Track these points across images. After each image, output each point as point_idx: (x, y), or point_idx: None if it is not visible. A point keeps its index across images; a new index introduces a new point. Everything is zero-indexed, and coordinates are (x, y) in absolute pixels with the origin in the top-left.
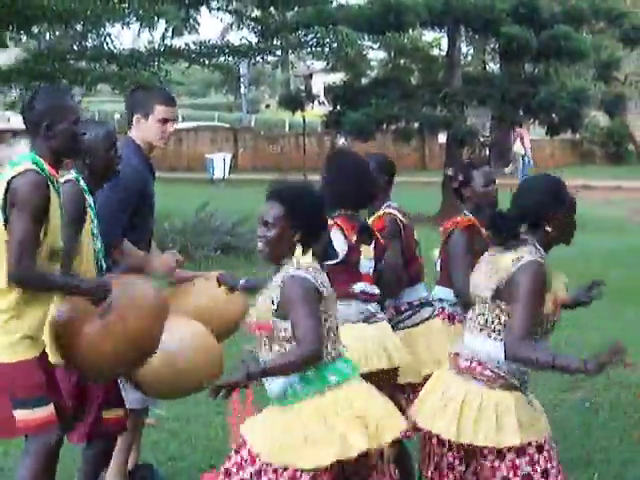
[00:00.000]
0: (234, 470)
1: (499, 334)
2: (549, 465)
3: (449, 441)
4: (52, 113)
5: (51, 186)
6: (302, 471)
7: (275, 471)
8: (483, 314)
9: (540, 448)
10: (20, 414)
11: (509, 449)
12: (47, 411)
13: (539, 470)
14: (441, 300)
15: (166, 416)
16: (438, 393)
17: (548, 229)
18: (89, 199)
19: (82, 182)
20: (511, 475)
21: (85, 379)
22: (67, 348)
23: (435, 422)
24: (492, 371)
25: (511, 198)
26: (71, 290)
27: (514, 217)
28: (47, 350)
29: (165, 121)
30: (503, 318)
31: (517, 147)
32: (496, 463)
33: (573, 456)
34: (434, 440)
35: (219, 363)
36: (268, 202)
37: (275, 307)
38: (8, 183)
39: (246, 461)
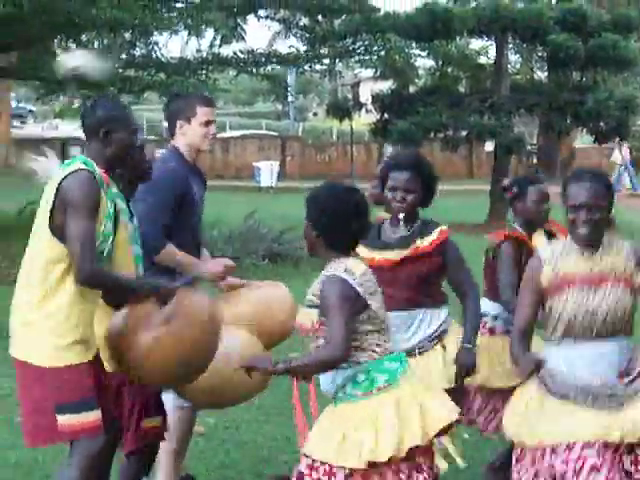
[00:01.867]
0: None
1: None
2: None
3: None
4: (112, 121)
5: (102, 188)
6: (336, 468)
7: (312, 466)
8: None
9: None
10: (63, 419)
11: None
12: (92, 416)
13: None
14: (486, 315)
15: (215, 424)
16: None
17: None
18: (121, 206)
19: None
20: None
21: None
22: (120, 358)
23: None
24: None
25: None
26: (136, 290)
27: None
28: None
29: (208, 123)
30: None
31: (615, 157)
32: None
33: None
34: None
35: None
36: None
37: (316, 304)
38: (60, 183)
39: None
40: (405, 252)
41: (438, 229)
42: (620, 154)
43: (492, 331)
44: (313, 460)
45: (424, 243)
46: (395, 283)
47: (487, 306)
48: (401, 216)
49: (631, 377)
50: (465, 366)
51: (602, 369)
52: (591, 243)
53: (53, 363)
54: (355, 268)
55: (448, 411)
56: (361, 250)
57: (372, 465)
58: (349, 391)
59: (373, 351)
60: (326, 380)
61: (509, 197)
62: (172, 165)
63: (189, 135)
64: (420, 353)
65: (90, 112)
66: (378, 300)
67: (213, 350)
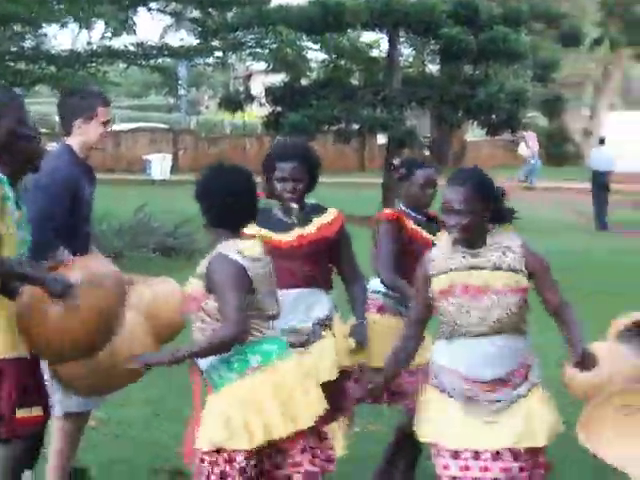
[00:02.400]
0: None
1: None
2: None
3: None
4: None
5: None
6: (234, 454)
7: (212, 461)
8: None
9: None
10: None
11: None
12: None
13: None
14: (376, 292)
15: (107, 418)
16: None
17: None
18: (7, 191)
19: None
20: None
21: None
22: (32, 335)
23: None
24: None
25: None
26: (22, 277)
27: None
28: None
29: (106, 122)
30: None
31: (521, 149)
32: None
33: None
34: None
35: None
36: None
37: (203, 283)
38: None
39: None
40: (310, 228)
41: (332, 210)
42: (527, 146)
43: (381, 309)
44: (210, 453)
45: (324, 220)
46: (297, 259)
47: (377, 284)
48: (295, 205)
49: (515, 382)
50: (362, 340)
51: (489, 366)
52: (464, 244)
53: None
54: (248, 251)
55: (317, 404)
56: (262, 232)
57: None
58: (224, 375)
59: (252, 334)
60: (203, 365)
61: (397, 177)
62: (64, 164)
63: (87, 134)
64: (314, 341)
65: None
66: (265, 288)
67: (122, 312)
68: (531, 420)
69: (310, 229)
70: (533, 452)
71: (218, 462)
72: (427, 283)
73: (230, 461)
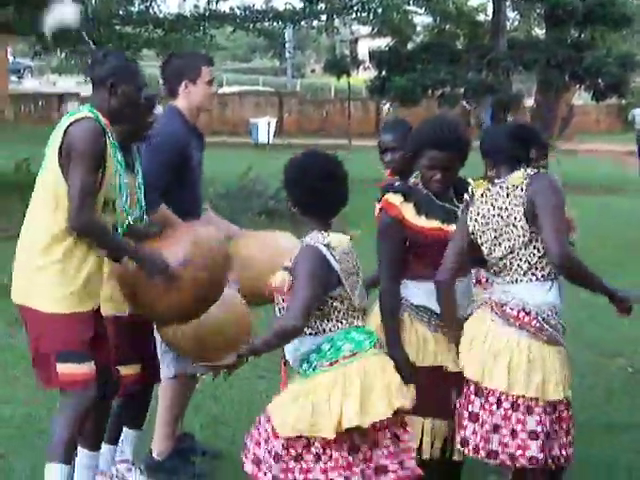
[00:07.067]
0: (262, 441)
1: (542, 272)
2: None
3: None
4: (121, 73)
5: (107, 137)
6: (313, 440)
7: (288, 444)
8: (521, 258)
9: (568, 405)
10: (62, 367)
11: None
12: (89, 368)
13: (564, 427)
14: None
15: (210, 380)
16: (485, 344)
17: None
18: (119, 155)
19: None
20: (539, 429)
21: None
22: (135, 298)
23: (485, 374)
24: (540, 322)
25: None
26: (126, 254)
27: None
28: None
29: (211, 82)
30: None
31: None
32: (525, 417)
33: (615, 420)
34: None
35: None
36: None
37: (290, 275)
38: (65, 130)
39: (268, 435)
40: None
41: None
42: None
43: None
44: (287, 438)
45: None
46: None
47: None
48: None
49: None
50: None
51: None
52: None
53: (59, 309)
54: (337, 244)
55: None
56: (432, 222)
57: (343, 432)
58: (314, 362)
59: (338, 321)
60: (290, 348)
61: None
62: (174, 126)
63: (195, 95)
64: None
65: (100, 62)
66: (353, 283)
67: (224, 284)
68: None
69: None
70: None
71: (295, 446)
72: None
73: (308, 446)
